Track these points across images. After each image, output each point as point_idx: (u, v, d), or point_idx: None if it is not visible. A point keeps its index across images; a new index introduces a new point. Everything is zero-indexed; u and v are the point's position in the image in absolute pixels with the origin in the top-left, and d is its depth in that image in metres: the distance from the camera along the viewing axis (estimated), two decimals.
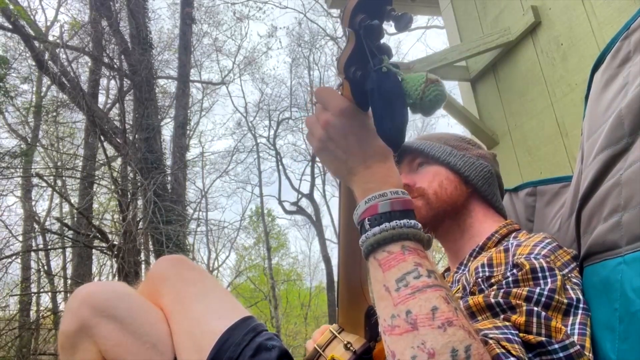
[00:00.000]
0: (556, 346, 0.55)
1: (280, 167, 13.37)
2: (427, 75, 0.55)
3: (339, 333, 0.82)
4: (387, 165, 0.58)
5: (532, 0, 2.33)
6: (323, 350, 0.81)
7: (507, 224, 0.87)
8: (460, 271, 0.85)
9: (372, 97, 0.54)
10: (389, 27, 0.56)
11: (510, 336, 0.55)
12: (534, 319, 0.57)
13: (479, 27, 2.73)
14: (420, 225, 0.54)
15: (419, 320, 0.46)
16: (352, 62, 0.54)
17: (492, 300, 0.60)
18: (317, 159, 0.63)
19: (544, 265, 0.64)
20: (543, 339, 0.55)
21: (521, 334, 0.56)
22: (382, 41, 0.53)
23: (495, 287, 0.65)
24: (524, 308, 0.57)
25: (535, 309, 0.57)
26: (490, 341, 0.53)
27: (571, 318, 0.61)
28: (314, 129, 0.61)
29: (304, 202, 13.37)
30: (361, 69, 0.54)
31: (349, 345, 0.78)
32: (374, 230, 0.53)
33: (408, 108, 0.55)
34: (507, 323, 0.57)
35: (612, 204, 0.64)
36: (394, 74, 0.53)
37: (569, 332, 0.59)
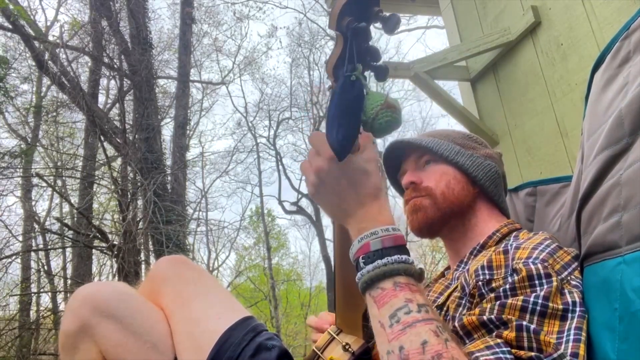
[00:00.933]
0: None
1: (280, 167, 13.38)
2: (387, 99, 0.55)
3: (337, 334, 0.82)
4: (379, 202, 0.60)
5: (532, 0, 2.33)
6: (322, 352, 0.81)
7: (508, 223, 0.87)
8: (460, 269, 0.85)
9: (331, 100, 0.54)
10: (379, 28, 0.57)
11: (502, 355, 0.55)
12: (524, 334, 0.57)
13: (479, 27, 2.73)
14: (411, 259, 0.56)
15: (411, 355, 0.48)
16: (341, 64, 0.54)
17: (485, 318, 0.61)
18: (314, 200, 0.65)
19: (541, 271, 0.64)
20: (533, 354, 0.56)
21: (513, 350, 0.56)
22: (371, 43, 0.53)
23: (493, 295, 0.65)
24: (514, 323, 0.58)
25: (524, 323, 0.58)
26: None
27: (568, 323, 0.61)
28: (308, 174, 0.63)
29: (304, 202, 13.37)
30: (349, 71, 0.54)
31: (347, 347, 0.78)
32: (367, 267, 0.55)
33: (360, 124, 0.56)
34: (499, 340, 0.57)
35: (612, 204, 0.64)
36: (360, 85, 0.54)
37: (564, 339, 0.59)
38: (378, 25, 0.53)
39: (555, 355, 0.56)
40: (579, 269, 0.70)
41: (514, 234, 0.84)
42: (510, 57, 2.50)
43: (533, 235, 0.77)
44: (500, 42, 2.44)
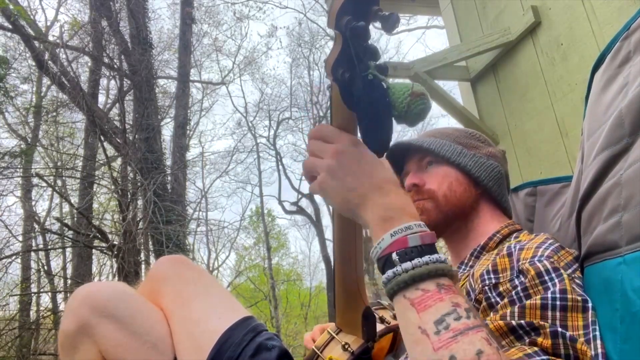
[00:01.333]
0: None
1: (280, 167, 13.38)
2: (413, 88, 0.55)
3: (337, 334, 0.82)
4: (402, 192, 0.56)
5: (532, 0, 2.33)
6: (321, 351, 0.81)
7: (508, 224, 0.87)
8: (461, 270, 0.85)
9: (358, 106, 0.53)
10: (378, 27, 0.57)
11: None
12: (560, 340, 0.56)
13: (479, 27, 2.73)
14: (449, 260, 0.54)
15: None
16: (340, 64, 0.54)
17: (514, 323, 0.60)
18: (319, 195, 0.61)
19: (549, 266, 0.64)
20: None
21: (551, 357, 0.55)
22: (369, 42, 0.53)
23: (507, 300, 0.64)
24: (548, 330, 0.57)
25: (559, 329, 0.57)
26: None
27: (590, 314, 0.61)
28: (318, 164, 0.58)
29: (304, 202, 13.38)
30: (349, 70, 0.54)
31: (346, 346, 0.78)
32: (404, 265, 0.49)
33: (393, 119, 0.56)
34: (536, 348, 0.56)
35: (612, 204, 0.64)
36: (379, 82, 0.53)
37: (591, 336, 0.59)
38: (377, 24, 0.53)
39: None
40: (579, 269, 0.70)
41: (514, 234, 0.84)
42: (510, 57, 2.49)
43: (535, 236, 0.77)
44: (500, 42, 2.44)
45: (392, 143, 0.76)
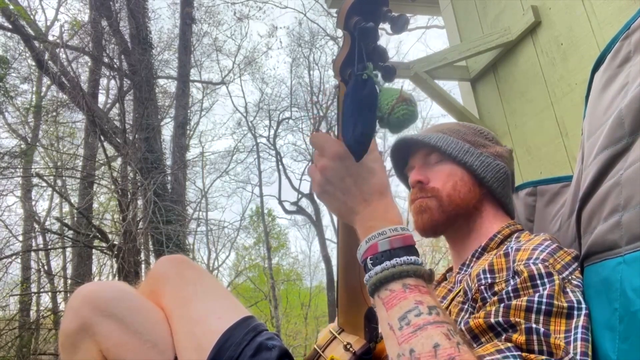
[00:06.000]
0: None
1: (280, 167, 13.37)
2: (401, 92, 0.55)
3: (339, 334, 0.82)
4: (385, 201, 0.60)
5: (532, 0, 2.33)
6: (323, 351, 0.81)
7: (510, 224, 0.87)
8: (463, 272, 0.85)
9: (344, 101, 0.54)
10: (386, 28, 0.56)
11: (512, 359, 0.55)
12: (534, 337, 0.57)
13: (479, 27, 2.73)
14: (420, 260, 0.55)
15: (422, 358, 0.46)
16: (348, 64, 0.54)
17: (493, 321, 0.61)
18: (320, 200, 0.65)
19: (542, 270, 0.64)
20: (544, 357, 0.55)
21: (524, 354, 0.56)
22: (378, 43, 0.52)
23: (496, 298, 0.65)
24: (523, 326, 0.58)
25: (533, 325, 0.58)
26: None
27: (574, 320, 0.61)
28: (314, 175, 0.63)
29: (304, 202, 13.36)
30: (360, 70, 0.53)
31: (348, 346, 0.78)
32: (375, 269, 0.54)
33: (376, 121, 0.55)
34: (509, 344, 0.57)
35: (612, 203, 0.64)
36: (372, 83, 0.53)
37: (572, 338, 0.59)
38: (386, 25, 0.53)
39: (566, 358, 0.56)
40: (579, 269, 0.70)
41: (515, 235, 0.84)
42: (510, 57, 2.50)
43: (534, 236, 0.77)
44: (500, 42, 2.44)
45: (398, 139, 0.75)
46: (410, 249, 0.56)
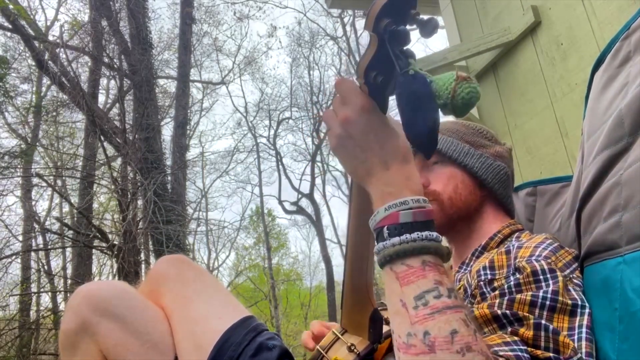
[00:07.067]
0: None
1: (280, 167, 13.38)
2: (458, 73, 0.52)
3: (342, 334, 0.82)
4: (407, 167, 0.55)
5: (532, 0, 2.33)
6: (326, 352, 0.81)
7: (510, 224, 0.87)
8: (462, 270, 0.85)
9: (399, 101, 0.51)
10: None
11: (520, 353, 0.54)
12: (542, 333, 0.56)
13: (479, 27, 2.73)
14: (441, 237, 0.52)
15: (437, 343, 0.44)
16: (373, 66, 0.52)
17: (499, 312, 0.60)
18: (333, 154, 0.60)
19: (545, 267, 0.64)
20: (551, 354, 0.55)
21: (529, 349, 0.56)
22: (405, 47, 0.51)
23: (498, 292, 0.64)
24: (532, 321, 0.57)
25: (543, 322, 0.57)
26: (501, 359, 0.53)
27: (578, 319, 0.61)
28: (332, 125, 0.57)
29: (304, 202, 13.38)
30: (383, 74, 0.52)
31: (352, 347, 0.77)
32: (393, 240, 0.50)
33: (439, 110, 0.52)
34: (516, 338, 0.57)
35: (612, 203, 0.64)
36: (422, 75, 0.51)
37: (575, 336, 0.59)
38: (414, 27, 0.51)
39: (574, 358, 0.55)
40: (579, 269, 0.70)
41: (515, 234, 0.84)
42: (510, 57, 2.49)
43: (535, 235, 0.77)
44: (500, 42, 2.44)
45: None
46: (430, 224, 0.52)
